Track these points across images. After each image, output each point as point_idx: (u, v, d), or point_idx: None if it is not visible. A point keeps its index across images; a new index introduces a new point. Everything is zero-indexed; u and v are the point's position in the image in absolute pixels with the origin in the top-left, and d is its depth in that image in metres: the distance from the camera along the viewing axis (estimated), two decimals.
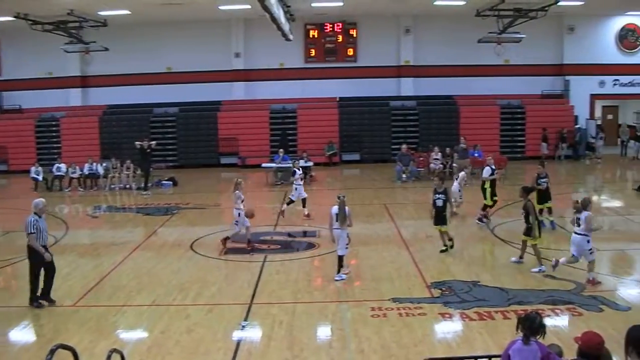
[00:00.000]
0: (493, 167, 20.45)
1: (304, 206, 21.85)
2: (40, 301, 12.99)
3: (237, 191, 17.38)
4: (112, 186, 28.86)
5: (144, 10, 31.59)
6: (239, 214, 17.27)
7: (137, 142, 28.14)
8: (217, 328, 11.80)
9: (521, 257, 15.61)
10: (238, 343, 11.19)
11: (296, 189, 21.66)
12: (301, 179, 22.14)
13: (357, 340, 11.15)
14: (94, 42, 31.99)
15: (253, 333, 11.68)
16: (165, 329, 11.77)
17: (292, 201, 21.79)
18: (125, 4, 30.00)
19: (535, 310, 6.88)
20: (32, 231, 12.80)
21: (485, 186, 20.27)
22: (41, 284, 13.08)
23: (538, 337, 6.65)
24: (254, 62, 37.45)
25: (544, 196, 18.87)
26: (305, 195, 21.78)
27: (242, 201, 17.35)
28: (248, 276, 15.10)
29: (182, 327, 11.81)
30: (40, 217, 13.11)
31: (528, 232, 15.23)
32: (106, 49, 32.36)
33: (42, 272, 13.09)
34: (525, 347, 6.63)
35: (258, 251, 17.39)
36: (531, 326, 6.63)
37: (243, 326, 11.91)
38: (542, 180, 18.93)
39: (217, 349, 10.91)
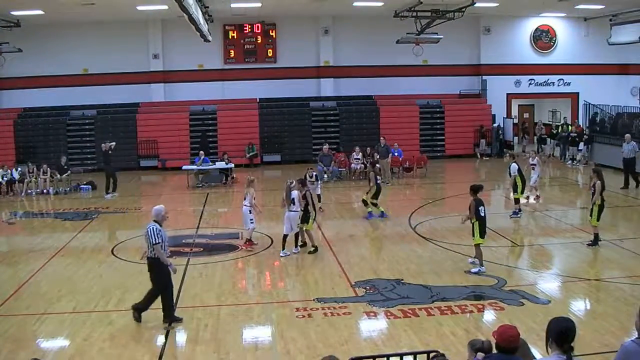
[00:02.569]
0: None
1: (318, 201, 21.94)
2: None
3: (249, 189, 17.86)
4: (29, 191, 28.07)
5: (58, 11, 30.68)
6: (249, 210, 17.64)
7: (102, 144, 27.51)
8: (141, 333, 11.63)
9: (476, 259, 15.23)
10: (163, 348, 11.05)
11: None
12: (317, 179, 22.55)
13: (283, 341, 11.16)
14: (7, 43, 31.18)
15: (178, 337, 11.56)
16: (88, 336, 11.52)
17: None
18: (38, 4, 29.13)
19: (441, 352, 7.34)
20: (159, 241, 11.80)
21: (517, 182, 20.87)
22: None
23: None
24: (173, 63, 36.97)
25: None
26: (319, 192, 22.39)
27: (254, 198, 17.72)
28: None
29: (105, 334, 11.59)
30: (161, 225, 12.14)
31: (473, 233, 15.03)
32: (20, 50, 31.61)
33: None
34: None
35: (180, 254, 17.23)
36: None
37: (167, 331, 11.76)
38: None
39: (141, 355, 10.74)
